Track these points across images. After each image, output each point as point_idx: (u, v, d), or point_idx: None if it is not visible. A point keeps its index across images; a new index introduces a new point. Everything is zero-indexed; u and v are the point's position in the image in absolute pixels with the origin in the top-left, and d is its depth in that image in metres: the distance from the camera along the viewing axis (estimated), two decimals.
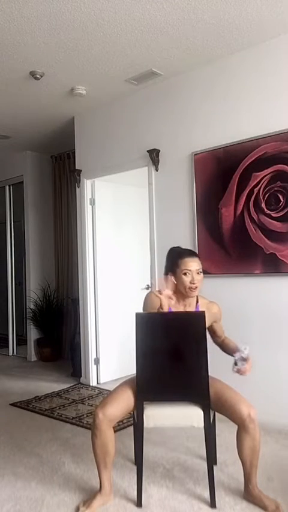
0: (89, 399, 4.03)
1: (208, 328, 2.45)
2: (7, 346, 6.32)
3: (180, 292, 2.36)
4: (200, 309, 2.40)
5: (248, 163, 3.32)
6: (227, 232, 3.45)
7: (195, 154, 3.64)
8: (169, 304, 2.23)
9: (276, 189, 3.19)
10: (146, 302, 2.40)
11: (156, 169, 3.94)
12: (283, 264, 3.15)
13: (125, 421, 3.28)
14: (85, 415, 3.57)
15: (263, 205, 3.25)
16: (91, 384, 4.51)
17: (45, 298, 5.81)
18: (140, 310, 2.46)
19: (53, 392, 4.29)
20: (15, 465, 2.73)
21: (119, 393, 2.28)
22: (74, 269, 5.53)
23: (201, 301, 2.47)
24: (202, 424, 2.22)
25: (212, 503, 2.21)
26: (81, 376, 4.64)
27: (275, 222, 3.19)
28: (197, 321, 2.19)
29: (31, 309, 5.78)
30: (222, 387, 2.28)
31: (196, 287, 2.32)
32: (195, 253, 2.46)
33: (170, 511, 2.19)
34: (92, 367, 4.55)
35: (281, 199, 3.16)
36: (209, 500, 2.23)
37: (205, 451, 2.24)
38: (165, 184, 3.90)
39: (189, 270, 2.31)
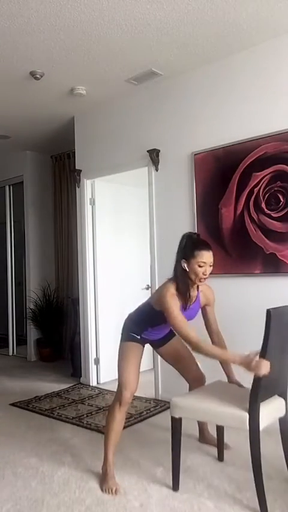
0: (89, 399, 4.03)
1: (201, 308, 2.65)
2: (7, 346, 6.32)
3: (188, 281, 2.46)
4: (200, 294, 2.58)
5: (248, 163, 3.32)
6: (227, 232, 3.45)
7: (195, 154, 3.64)
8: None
9: (276, 189, 3.19)
10: (170, 301, 2.41)
11: (156, 169, 3.93)
12: (283, 264, 3.15)
13: (124, 421, 3.26)
14: (85, 415, 3.57)
15: (263, 205, 3.25)
16: (91, 384, 4.51)
17: (45, 298, 5.80)
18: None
19: (53, 392, 4.28)
20: (15, 465, 2.73)
21: (129, 368, 2.59)
22: (74, 269, 5.52)
23: (201, 287, 2.59)
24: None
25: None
26: (81, 376, 4.64)
27: (275, 222, 3.19)
28: None
29: (31, 309, 5.78)
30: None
31: (206, 278, 2.47)
32: (210, 246, 2.51)
33: (170, 511, 2.19)
34: (92, 367, 4.55)
35: (281, 199, 3.16)
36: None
37: (250, 451, 2.23)
38: (165, 184, 3.90)
39: (205, 263, 2.42)
